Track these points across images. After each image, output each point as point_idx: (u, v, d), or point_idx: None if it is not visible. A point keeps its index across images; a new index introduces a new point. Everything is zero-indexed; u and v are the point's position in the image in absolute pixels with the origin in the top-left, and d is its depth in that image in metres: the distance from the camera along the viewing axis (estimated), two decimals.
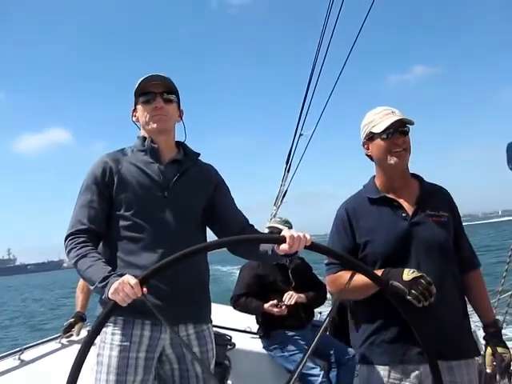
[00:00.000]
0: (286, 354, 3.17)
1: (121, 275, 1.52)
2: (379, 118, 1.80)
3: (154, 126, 1.81)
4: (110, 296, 1.42)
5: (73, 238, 1.68)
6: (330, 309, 1.69)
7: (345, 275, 1.74)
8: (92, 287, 1.58)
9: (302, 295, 3.27)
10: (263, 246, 1.72)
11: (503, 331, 1.98)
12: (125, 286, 1.37)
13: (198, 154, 1.94)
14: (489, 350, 1.77)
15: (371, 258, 1.79)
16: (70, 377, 1.22)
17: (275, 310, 3.18)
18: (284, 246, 1.45)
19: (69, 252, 1.67)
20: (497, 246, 23.50)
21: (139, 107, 1.86)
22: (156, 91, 1.81)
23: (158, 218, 1.75)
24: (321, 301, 3.49)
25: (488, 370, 1.77)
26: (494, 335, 1.79)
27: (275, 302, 3.19)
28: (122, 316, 1.67)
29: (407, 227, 1.77)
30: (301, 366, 1.42)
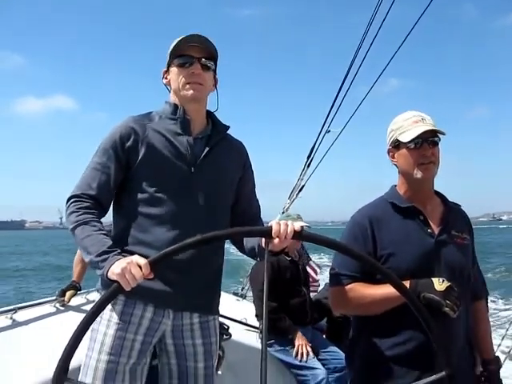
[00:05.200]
0: (287, 347, 3.10)
1: (120, 253, 1.41)
2: (408, 125, 1.66)
3: (188, 93, 1.65)
4: (110, 275, 1.31)
5: (77, 201, 1.55)
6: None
7: (361, 289, 1.61)
8: (87, 259, 1.45)
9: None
10: (252, 242, 1.60)
11: None
12: (133, 267, 1.24)
13: (228, 127, 1.79)
14: None
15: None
16: (62, 358, 1.07)
17: (302, 350, 3.07)
18: (275, 241, 1.26)
19: (69, 215, 1.54)
20: None
21: (173, 70, 1.68)
22: (195, 55, 1.65)
23: (180, 195, 1.60)
24: None
25: None
26: (493, 374, 1.70)
27: (309, 349, 3.08)
28: (124, 296, 1.55)
29: (433, 245, 1.64)
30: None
